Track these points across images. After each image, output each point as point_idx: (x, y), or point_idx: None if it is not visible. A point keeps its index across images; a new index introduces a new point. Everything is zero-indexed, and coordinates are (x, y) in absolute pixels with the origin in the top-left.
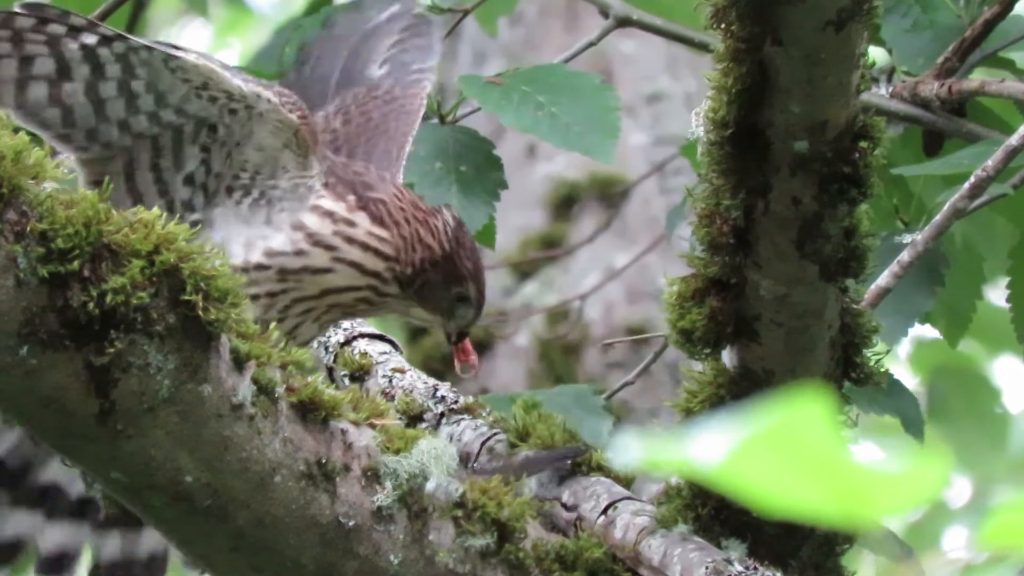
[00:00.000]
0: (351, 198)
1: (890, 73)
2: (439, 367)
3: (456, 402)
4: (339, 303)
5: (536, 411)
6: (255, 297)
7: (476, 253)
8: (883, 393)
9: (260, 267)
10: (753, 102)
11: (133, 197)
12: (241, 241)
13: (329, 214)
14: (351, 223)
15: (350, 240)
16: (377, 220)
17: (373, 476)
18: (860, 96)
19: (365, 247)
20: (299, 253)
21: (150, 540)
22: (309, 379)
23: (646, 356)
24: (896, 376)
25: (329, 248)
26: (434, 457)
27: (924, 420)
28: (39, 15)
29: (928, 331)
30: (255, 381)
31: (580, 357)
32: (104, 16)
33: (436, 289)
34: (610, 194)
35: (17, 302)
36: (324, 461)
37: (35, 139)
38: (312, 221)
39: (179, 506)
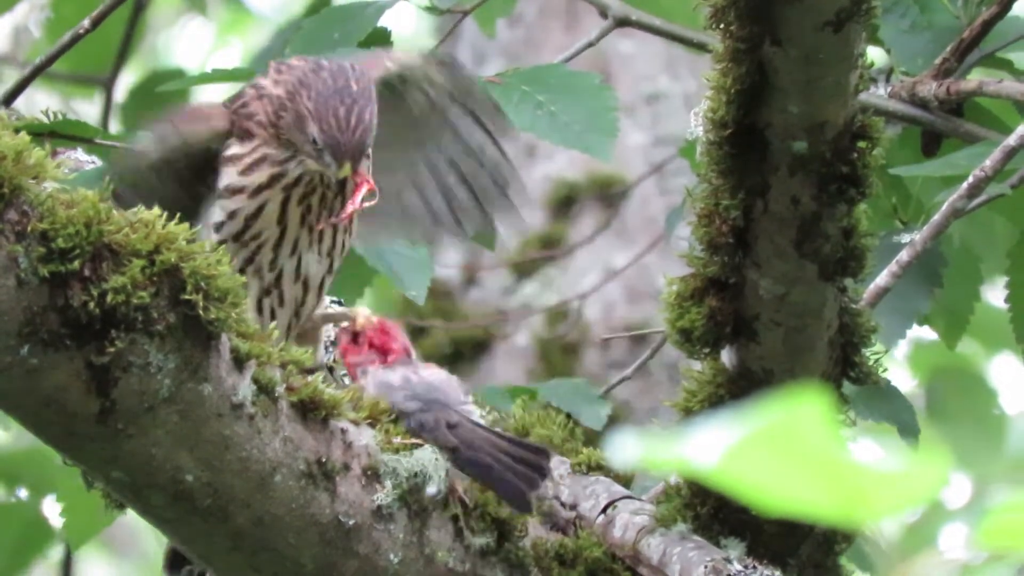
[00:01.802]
0: (237, 130)
1: (888, 73)
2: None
3: None
4: (300, 216)
5: (536, 411)
6: (242, 270)
7: (340, 94)
8: (879, 397)
9: (221, 243)
10: (752, 102)
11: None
12: (203, 234)
13: (233, 159)
14: (238, 157)
15: (243, 171)
16: (244, 133)
17: (373, 475)
18: (859, 96)
19: (250, 168)
20: (232, 214)
21: None
22: (309, 378)
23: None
24: (892, 380)
25: (240, 190)
26: (432, 463)
27: (919, 427)
28: None
29: (926, 332)
30: (255, 380)
31: (580, 357)
32: (102, 16)
33: (295, 136)
34: (609, 194)
35: (18, 302)
36: (324, 460)
37: (36, 139)
38: (228, 177)
39: (179, 505)
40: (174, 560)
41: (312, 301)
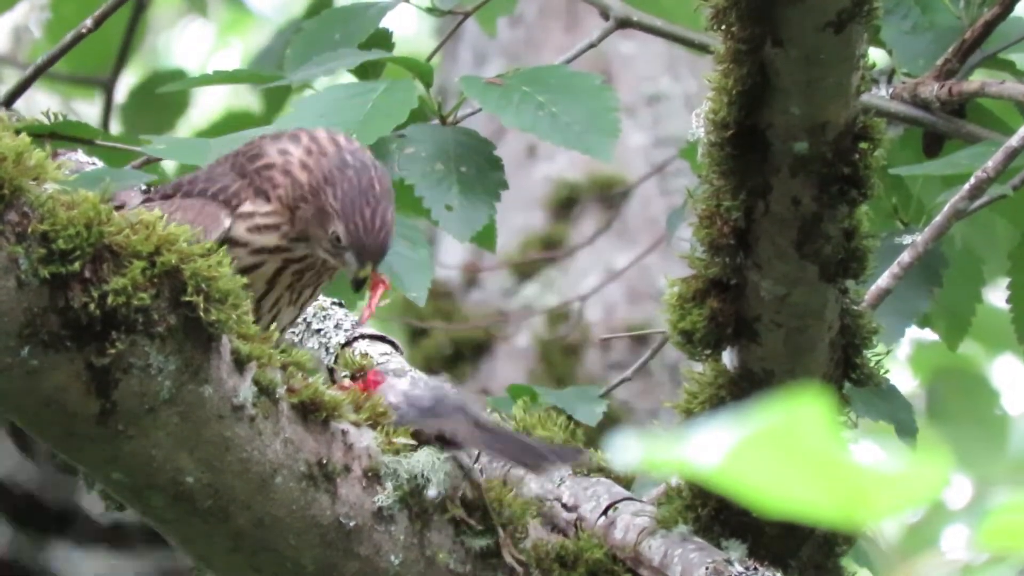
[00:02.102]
0: (249, 190)
1: (890, 74)
2: (440, 368)
3: None
4: (289, 283)
5: (537, 412)
6: None
7: (365, 195)
8: (877, 396)
9: None
10: (753, 103)
11: None
12: None
13: (241, 216)
14: (252, 214)
15: (254, 229)
16: (261, 193)
17: (374, 477)
18: (860, 97)
19: (262, 229)
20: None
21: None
22: (310, 380)
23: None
24: (892, 380)
25: (243, 245)
26: (432, 466)
27: (917, 427)
28: None
29: (928, 332)
30: (256, 382)
31: (580, 358)
32: (104, 16)
33: (314, 229)
34: (610, 195)
35: (18, 303)
36: (325, 462)
37: (36, 141)
38: (235, 230)
39: (180, 507)
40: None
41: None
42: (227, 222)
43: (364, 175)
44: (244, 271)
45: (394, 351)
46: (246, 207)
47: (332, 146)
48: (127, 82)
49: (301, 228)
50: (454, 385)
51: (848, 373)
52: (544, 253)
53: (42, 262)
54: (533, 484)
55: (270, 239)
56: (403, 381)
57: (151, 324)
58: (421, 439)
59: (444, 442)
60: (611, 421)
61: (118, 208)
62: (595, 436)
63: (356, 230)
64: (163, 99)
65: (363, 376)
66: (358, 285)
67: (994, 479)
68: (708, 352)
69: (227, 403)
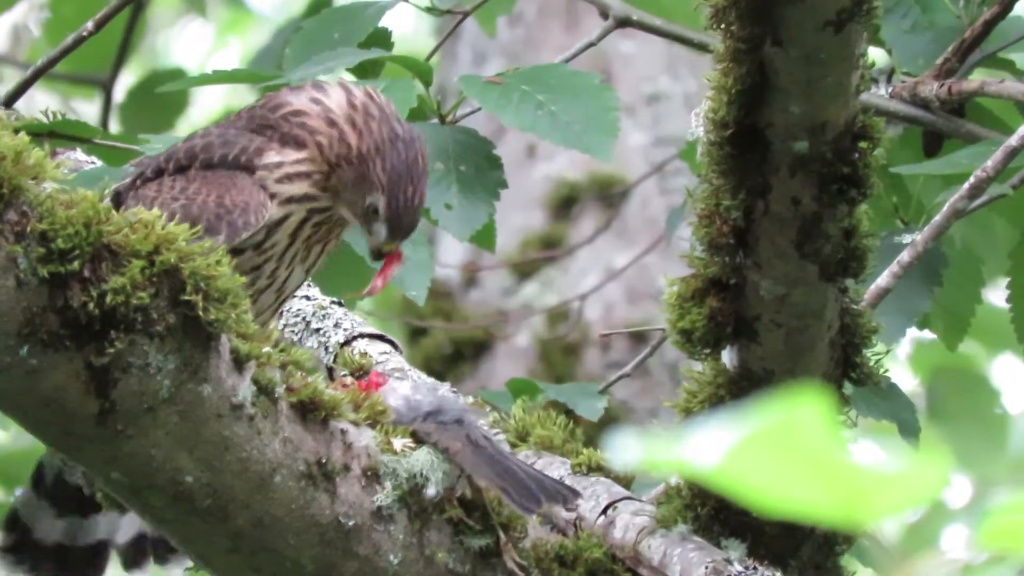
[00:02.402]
0: (274, 143)
1: (890, 74)
2: (439, 367)
3: None
4: (307, 236)
5: (536, 411)
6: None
7: (410, 172)
8: (879, 395)
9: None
10: (753, 102)
11: None
12: None
13: (267, 168)
14: (279, 164)
15: (282, 179)
16: (298, 143)
17: (373, 476)
18: (860, 96)
19: (292, 177)
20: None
21: None
22: (309, 379)
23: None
24: (893, 379)
25: (272, 197)
26: (431, 465)
27: (920, 426)
28: None
29: (928, 333)
30: (255, 381)
31: (580, 357)
32: (105, 20)
33: (350, 190)
34: (610, 194)
35: (17, 302)
36: (324, 461)
37: (35, 140)
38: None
39: (179, 506)
40: (38, 476)
41: (274, 308)
42: (267, 202)
43: (411, 149)
44: (274, 225)
45: (393, 350)
46: (271, 157)
47: (378, 109)
48: (126, 81)
49: (335, 185)
50: (457, 394)
51: (848, 372)
52: (544, 252)
53: (41, 261)
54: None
55: (300, 187)
56: (405, 385)
57: (150, 323)
58: (417, 440)
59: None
60: (610, 420)
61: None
62: (595, 435)
63: (396, 206)
64: (162, 98)
65: (364, 376)
66: (378, 256)
67: (994, 479)
68: (707, 351)
69: (226, 402)
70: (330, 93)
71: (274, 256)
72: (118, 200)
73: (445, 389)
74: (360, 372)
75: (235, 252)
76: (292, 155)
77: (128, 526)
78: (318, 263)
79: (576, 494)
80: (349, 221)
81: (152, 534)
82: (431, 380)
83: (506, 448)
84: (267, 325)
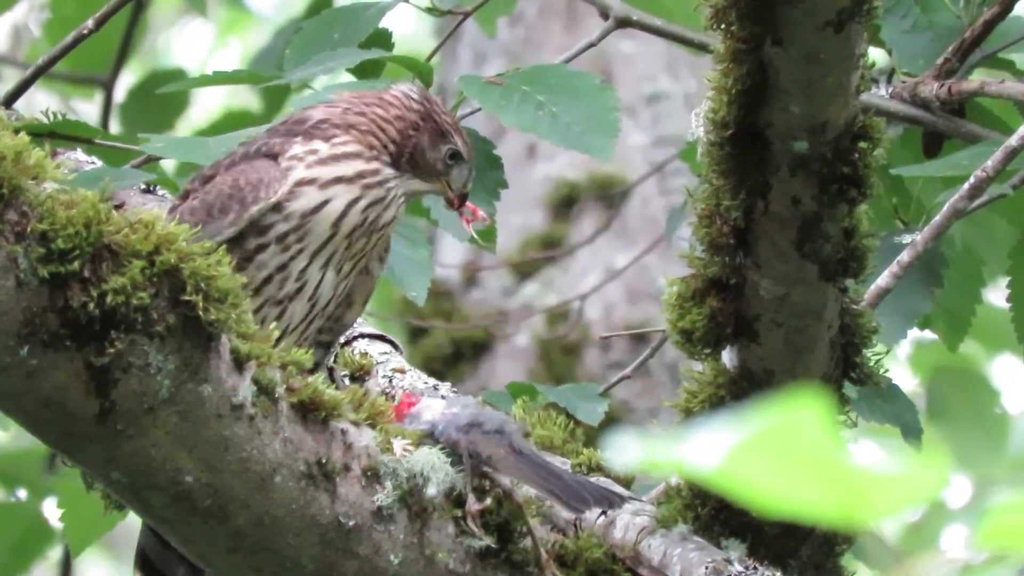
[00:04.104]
0: (297, 139)
1: (890, 74)
2: (439, 367)
3: None
4: (353, 226)
5: (536, 411)
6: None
7: (450, 111)
8: (881, 398)
9: (260, 248)
10: (753, 102)
11: None
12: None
13: (294, 158)
14: (313, 151)
15: (321, 162)
16: (327, 136)
17: (373, 476)
18: (860, 97)
19: (335, 159)
20: (288, 215)
21: None
22: (309, 379)
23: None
24: (894, 381)
25: (310, 182)
26: (431, 464)
27: (922, 428)
28: None
29: (928, 333)
30: (255, 381)
31: (580, 357)
32: (105, 17)
33: (426, 153)
34: (610, 194)
35: (17, 302)
36: (324, 461)
37: (36, 140)
38: (296, 172)
39: (179, 506)
40: (144, 562)
41: (307, 323)
42: (285, 168)
43: (436, 98)
44: (308, 214)
45: (393, 350)
46: (297, 149)
47: (402, 92)
48: (126, 81)
49: (409, 159)
50: (458, 394)
51: (848, 372)
52: (544, 252)
53: (41, 261)
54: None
55: (351, 166)
56: (438, 402)
57: (150, 323)
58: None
59: (479, 461)
60: (611, 420)
61: (118, 207)
62: (595, 435)
63: (468, 143)
64: (162, 98)
65: (394, 399)
66: (461, 200)
67: (994, 479)
68: (708, 351)
69: (226, 402)
70: (344, 96)
71: (305, 251)
72: None
73: (472, 402)
74: (391, 396)
75: (259, 248)
76: (325, 143)
77: None
78: (353, 274)
79: (623, 499)
80: (417, 192)
81: None
82: (466, 397)
83: (546, 457)
84: (303, 349)
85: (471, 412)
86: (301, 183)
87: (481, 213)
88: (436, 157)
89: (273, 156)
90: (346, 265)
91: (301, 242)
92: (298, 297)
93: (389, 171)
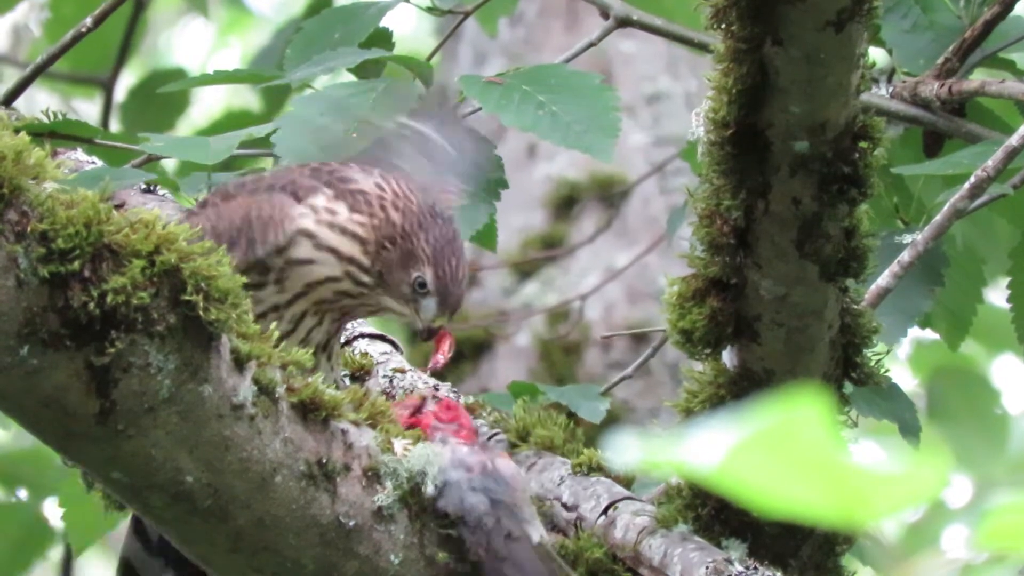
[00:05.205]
0: (328, 191)
1: (890, 74)
2: (510, 457)
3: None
4: (323, 298)
5: (536, 412)
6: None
7: (452, 245)
8: (880, 395)
9: (259, 285)
10: (753, 102)
11: None
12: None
13: (312, 207)
14: (332, 211)
15: (331, 226)
16: (355, 208)
17: (374, 476)
18: (860, 96)
19: (343, 231)
20: (283, 251)
21: None
22: (310, 379)
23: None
24: (894, 379)
25: (309, 236)
26: (428, 462)
27: (920, 426)
28: None
29: (928, 333)
30: (256, 381)
31: (581, 357)
32: (104, 15)
33: (394, 271)
34: (610, 194)
35: (18, 302)
36: (325, 461)
37: (36, 139)
38: (304, 221)
39: (179, 506)
40: (128, 571)
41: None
42: (297, 213)
43: (449, 227)
44: (291, 262)
45: (393, 350)
46: (319, 201)
47: (416, 194)
48: (127, 81)
49: (378, 269)
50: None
51: (848, 372)
52: (544, 252)
53: (41, 261)
54: (533, 483)
55: (350, 247)
56: (474, 459)
57: (151, 323)
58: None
59: (465, 527)
60: (611, 420)
61: (118, 207)
62: (595, 435)
63: (444, 277)
64: (163, 98)
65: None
66: (429, 334)
67: (994, 479)
68: (708, 351)
69: (227, 402)
70: (390, 183)
71: (285, 300)
72: None
73: (499, 452)
74: (421, 400)
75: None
76: (348, 212)
77: None
78: (339, 324)
79: None
80: (390, 310)
81: None
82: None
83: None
84: (304, 350)
85: (484, 485)
86: (302, 232)
87: (438, 358)
88: (404, 280)
89: (296, 196)
90: (322, 324)
91: (286, 285)
92: (291, 338)
93: (367, 278)
